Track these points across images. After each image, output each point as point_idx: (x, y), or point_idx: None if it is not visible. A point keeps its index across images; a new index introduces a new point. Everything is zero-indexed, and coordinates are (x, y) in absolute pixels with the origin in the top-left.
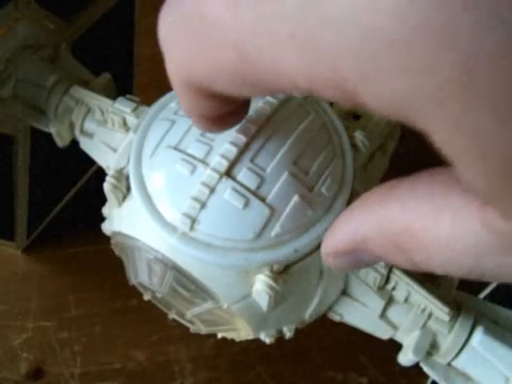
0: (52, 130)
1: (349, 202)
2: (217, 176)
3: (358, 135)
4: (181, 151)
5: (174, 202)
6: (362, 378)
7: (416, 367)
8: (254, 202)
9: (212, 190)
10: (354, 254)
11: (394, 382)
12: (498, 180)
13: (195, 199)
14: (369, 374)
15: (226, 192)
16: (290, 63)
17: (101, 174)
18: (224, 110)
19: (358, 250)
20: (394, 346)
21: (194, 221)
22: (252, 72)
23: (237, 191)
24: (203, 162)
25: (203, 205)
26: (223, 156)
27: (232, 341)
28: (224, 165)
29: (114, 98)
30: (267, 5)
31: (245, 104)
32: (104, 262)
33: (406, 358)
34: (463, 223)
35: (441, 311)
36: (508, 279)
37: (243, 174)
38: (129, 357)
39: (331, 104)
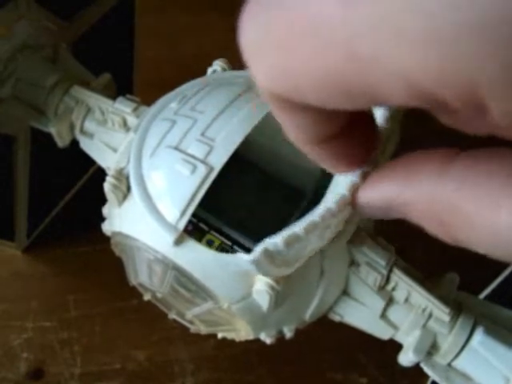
0: (52, 129)
1: None
2: None
3: None
4: (181, 151)
5: (174, 201)
6: (362, 379)
7: (416, 368)
8: None
9: None
10: (386, 210)
11: (395, 382)
12: None
13: None
14: (369, 374)
15: None
16: (414, 64)
17: (101, 174)
18: (325, 127)
19: (393, 209)
20: (395, 347)
21: None
22: (361, 75)
23: None
24: (203, 161)
25: None
26: None
27: (233, 341)
28: None
29: (114, 98)
30: None
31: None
32: (104, 262)
33: (406, 359)
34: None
35: (441, 311)
36: None
37: None
38: (129, 357)
39: None
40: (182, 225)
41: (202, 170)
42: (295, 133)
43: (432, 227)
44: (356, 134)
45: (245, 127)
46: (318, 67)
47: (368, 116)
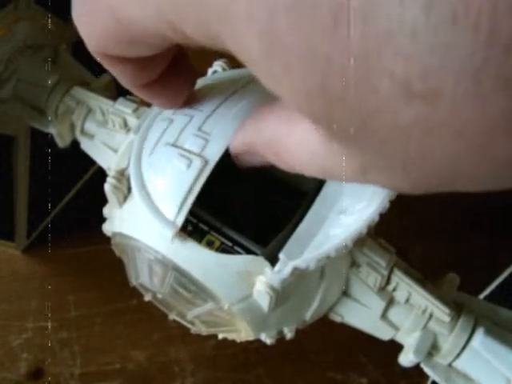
0: (53, 130)
1: None
2: None
3: None
4: (178, 147)
5: (171, 197)
6: (362, 379)
7: (416, 368)
8: None
9: None
10: (250, 155)
11: (395, 382)
12: (313, 108)
13: None
14: (369, 374)
15: None
16: (146, 16)
17: (101, 174)
18: (142, 75)
19: (250, 152)
20: (395, 347)
21: None
22: (125, 30)
23: None
24: (199, 155)
25: None
26: None
27: (232, 341)
28: None
29: (114, 98)
30: None
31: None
32: (104, 262)
33: (406, 359)
34: (307, 132)
35: (442, 312)
36: (338, 178)
37: None
38: (129, 357)
39: None
40: (180, 220)
41: (197, 163)
42: (121, 80)
43: (274, 160)
44: (174, 78)
45: (240, 120)
46: (100, 28)
47: (184, 62)
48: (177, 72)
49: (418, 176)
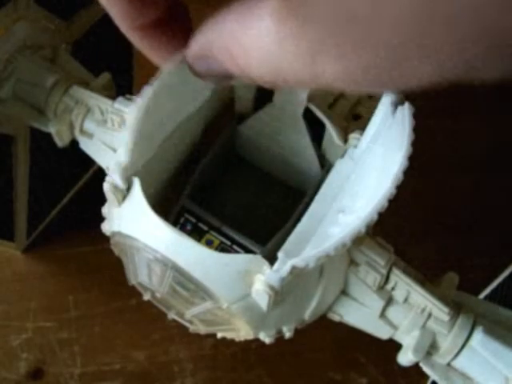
0: (52, 130)
1: None
2: None
3: (355, 135)
4: None
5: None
6: (361, 378)
7: (416, 367)
8: None
9: None
10: (206, 59)
11: (394, 382)
12: None
13: None
14: (368, 374)
15: None
16: None
17: (101, 173)
18: (137, 16)
19: (207, 55)
20: (394, 346)
21: None
22: None
23: None
24: None
25: None
26: None
27: (232, 341)
28: None
29: (113, 98)
30: None
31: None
32: (104, 261)
33: (405, 358)
34: (263, 25)
35: (440, 311)
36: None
37: None
38: (129, 357)
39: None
40: (126, 158)
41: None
42: (117, 19)
43: (229, 64)
44: (170, 29)
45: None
46: None
47: (182, 13)
48: (173, 21)
49: (369, 53)
